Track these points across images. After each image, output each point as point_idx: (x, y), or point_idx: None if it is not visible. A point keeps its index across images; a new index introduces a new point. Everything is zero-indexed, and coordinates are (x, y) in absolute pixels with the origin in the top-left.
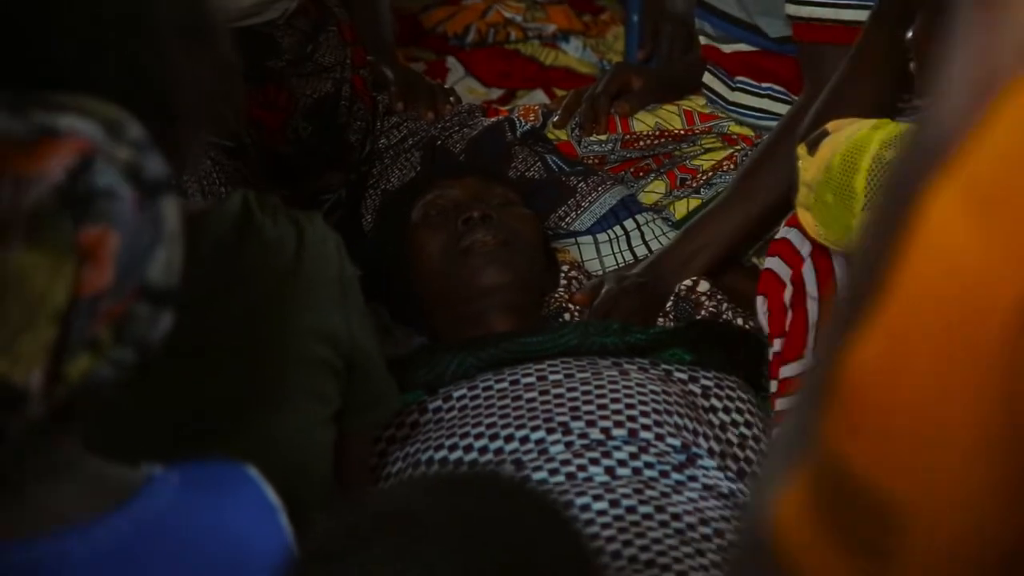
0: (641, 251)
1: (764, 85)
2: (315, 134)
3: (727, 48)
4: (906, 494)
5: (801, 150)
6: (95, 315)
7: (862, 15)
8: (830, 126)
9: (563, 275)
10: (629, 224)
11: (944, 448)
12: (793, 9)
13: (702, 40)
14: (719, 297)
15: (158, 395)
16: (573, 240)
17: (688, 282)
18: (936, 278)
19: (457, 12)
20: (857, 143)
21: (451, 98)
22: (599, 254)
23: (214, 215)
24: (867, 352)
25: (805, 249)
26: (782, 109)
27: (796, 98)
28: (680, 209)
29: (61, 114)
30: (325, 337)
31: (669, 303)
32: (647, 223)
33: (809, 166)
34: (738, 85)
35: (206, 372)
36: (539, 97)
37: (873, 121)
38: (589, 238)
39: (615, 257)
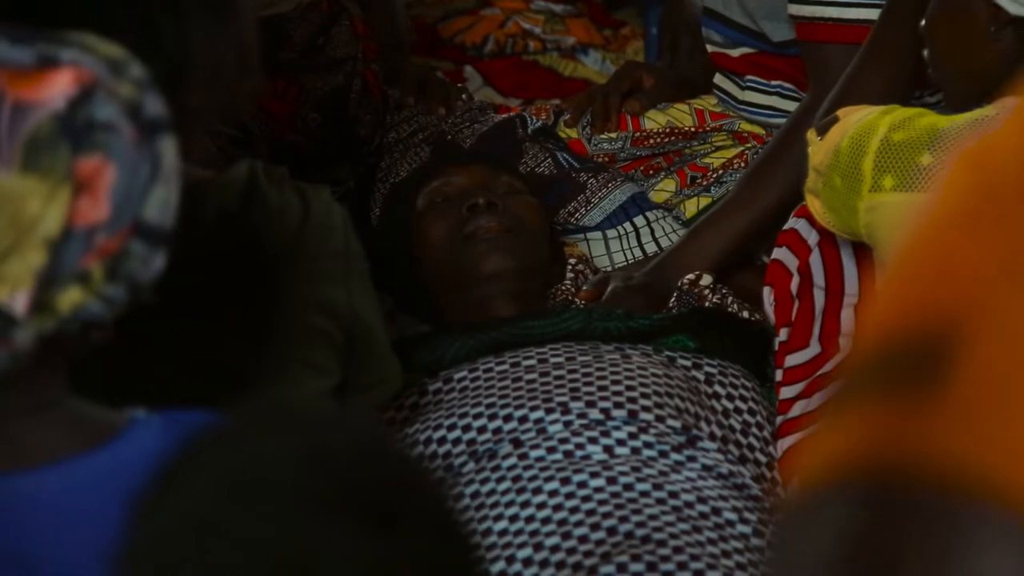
0: (651, 248)
1: (773, 83)
2: (324, 126)
3: (734, 52)
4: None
5: (811, 135)
6: (88, 248)
7: (865, 13)
8: (840, 112)
9: (570, 268)
10: (639, 220)
11: None
12: (796, 9)
13: (709, 48)
14: (723, 291)
15: (156, 356)
16: (582, 236)
17: (691, 276)
18: None
19: (476, 23)
20: (866, 126)
21: (463, 95)
22: (608, 250)
23: (219, 182)
24: None
25: (812, 239)
26: (791, 106)
27: (805, 95)
28: (691, 207)
29: (64, 47)
30: (325, 309)
31: (672, 298)
32: (657, 220)
33: (818, 150)
34: (748, 84)
35: (204, 338)
36: None
37: (883, 107)
38: (598, 234)
39: (624, 254)
